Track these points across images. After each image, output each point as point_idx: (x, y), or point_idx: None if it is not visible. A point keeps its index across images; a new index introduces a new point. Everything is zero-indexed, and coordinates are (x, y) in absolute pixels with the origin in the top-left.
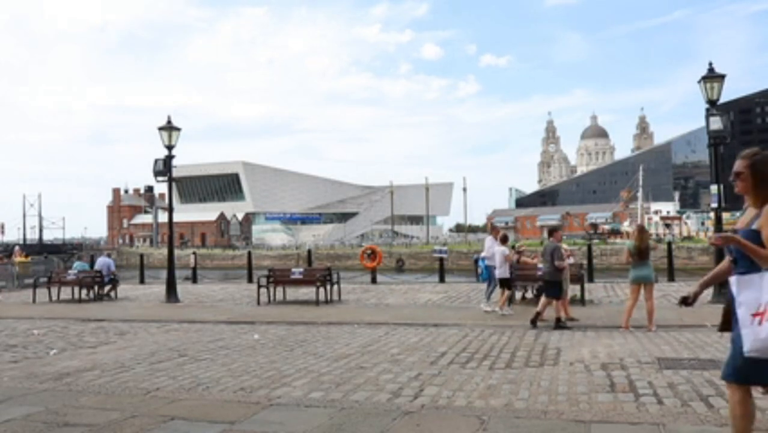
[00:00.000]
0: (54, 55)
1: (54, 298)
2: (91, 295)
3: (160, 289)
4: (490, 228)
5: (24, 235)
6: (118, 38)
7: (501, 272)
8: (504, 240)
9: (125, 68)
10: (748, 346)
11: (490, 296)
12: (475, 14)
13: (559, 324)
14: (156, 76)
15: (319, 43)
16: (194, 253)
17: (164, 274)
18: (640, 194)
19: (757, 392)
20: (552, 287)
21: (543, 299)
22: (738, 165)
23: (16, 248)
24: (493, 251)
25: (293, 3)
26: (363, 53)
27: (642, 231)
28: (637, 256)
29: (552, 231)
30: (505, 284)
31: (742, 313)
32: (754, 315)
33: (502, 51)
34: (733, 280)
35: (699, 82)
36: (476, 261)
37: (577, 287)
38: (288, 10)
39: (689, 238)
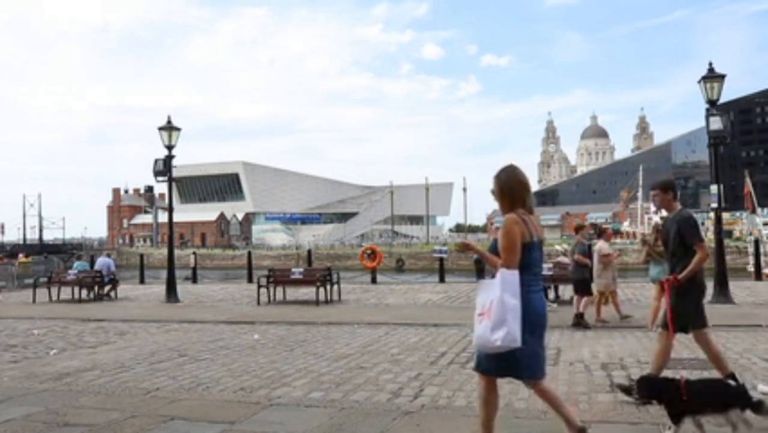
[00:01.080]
0: (54, 55)
1: (54, 298)
2: (91, 295)
3: (160, 289)
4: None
5: (24, 235)
6: (119, 38)
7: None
8: (600, 234)
9: (125, 68)
10: (474, 341)
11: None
12: (475, 14)
13: (579, 321)
14: (156, 76)
15: (319, 43)
16: (194, 253)
17: (164, 274)
18: (640, 194)
19: None
20: (578, 285)
21: (576, 299)
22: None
23: (20, 255)
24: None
25: (294, 3)
26: (364, 53)
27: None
28: (657, 255)
29: (577, 229)
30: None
31: (476, 312)
32: (480, 315)
33: (503, 51)
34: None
35: (699, 82)
36: (476, 261)
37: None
38: (288, 10)
39: None
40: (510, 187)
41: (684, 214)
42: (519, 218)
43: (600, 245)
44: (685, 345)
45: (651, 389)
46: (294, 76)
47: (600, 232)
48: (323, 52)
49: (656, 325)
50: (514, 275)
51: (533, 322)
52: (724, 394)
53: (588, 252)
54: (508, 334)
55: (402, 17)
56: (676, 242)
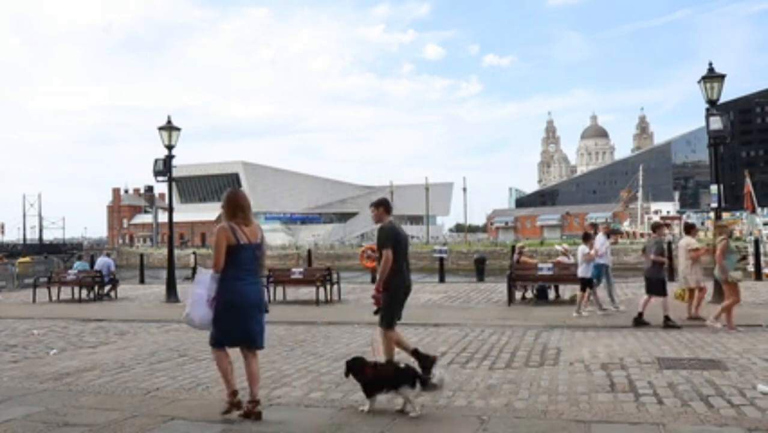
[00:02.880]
0: (55, 55)
1: (54, 298)
2: (91, 295)
3: (160, 289)
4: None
5: (24, 235)
6: (121, 38)
7: (581, 270)
8: (586, 238)
9: (127, 68)
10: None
11: (613, 296)
12: (477, 14)
13: (667, 323)
14: (157, 76)
15: (321, 43)
16: (194, 253)
17: (164, 274)
18: (640, 194)
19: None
20: (654, 285)
21: (643, 298)
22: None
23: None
24: (605, 249)
25: (295, 3)
26: (365, 53)
27: (723, 228)
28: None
29: (655, 227)
30: (586, 283)
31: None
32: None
33: (505, 51)
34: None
35: (699, 82)
36: (476, 261)
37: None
38: (290, 11)
39: None
40: (228, 204)
41: (383, 225)
42: (228, 227)
43: (687, 240)
44: (685, 345)
45: (350, 370)
46: (295, 77)
47: (653, 228)
48: (325, 52)
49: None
50: (207, 273)
51: (233, 304)
52: (397, 375)
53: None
54: (188, 315)
55: (404, 17)
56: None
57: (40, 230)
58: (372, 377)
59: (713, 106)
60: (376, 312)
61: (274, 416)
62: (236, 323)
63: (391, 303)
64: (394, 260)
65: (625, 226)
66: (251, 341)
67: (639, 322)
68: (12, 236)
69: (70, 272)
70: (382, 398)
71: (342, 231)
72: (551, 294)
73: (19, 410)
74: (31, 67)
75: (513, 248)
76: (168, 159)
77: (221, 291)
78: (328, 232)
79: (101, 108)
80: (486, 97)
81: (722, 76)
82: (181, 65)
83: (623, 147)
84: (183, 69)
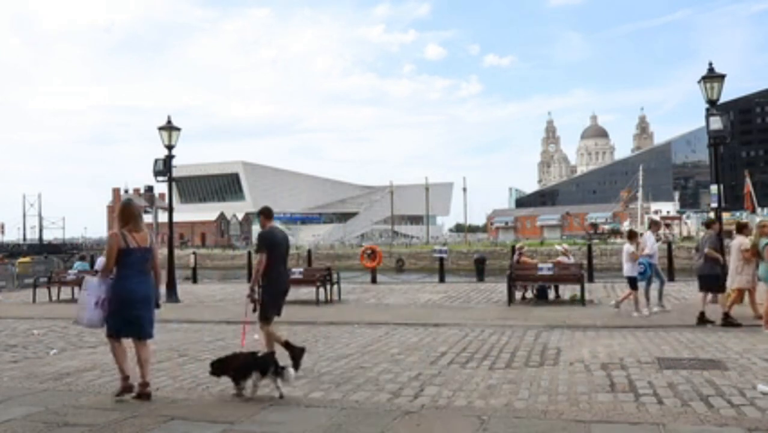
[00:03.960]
0: (55, 55)
1: (54, 298)
2: None
3: (160, 289)
4: (650, 223)
5: (24, 235)
6: (121, 38)
7: (627, 269)
8: (631, 236)
9: (127, 68)
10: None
11: (662, 295)
12: (477, 14)
13: (727, 320)
14: (158, 76)
15: (322, 43)
16: (194, 253)
17: (164, 274)
18: (640, 194)
19: None
20: (708, 281)
21: (700, 296)
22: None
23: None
24: (655, 247)
25: (296, 3)
26: (366, 53)
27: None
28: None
29: (708, 224)
30: (634, 282)
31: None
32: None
33: (505, 51)
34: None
35: (699, 82)
36: (476, 261)
37: (577, 287)
38: (291, 11)
39: (689, 238)
40: (121, 214)
41: (262, 231)
42: (119, 233)
43: (740, 240)
44: (685, 345)
45: (215, 370)
46: (296, 77)
47: (707, 225)
48: (326, 52)
49: None
50: (93, 279)
51: (124, 299)
52: (252, 363)
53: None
54: (78, 317)
55: (404, 17)
56: None
57: (40, 230)
58: (236, 368)
59: (713, 106)
60: (254, 310)
61: (274, 416)
62: (128, 316)
63: (269, 301)
64: (270, 262)
65: (625, 226)
66: (141, 332)
67: (702, 320)
68: (12, 236)
69: (70, 272)
70: (383, 398)
71: (342, 231)
72: (551, 294)
73: (19, 410)
74: (31, 67)
75: (513, 248)
76: (168, 159)
77: (115, 288)
78: (328, 232)
79: (101, 108)
80: (486, 98)
81: (722, 76)
82: (181, 65)
83: (623, 147)
84: (183, 69)
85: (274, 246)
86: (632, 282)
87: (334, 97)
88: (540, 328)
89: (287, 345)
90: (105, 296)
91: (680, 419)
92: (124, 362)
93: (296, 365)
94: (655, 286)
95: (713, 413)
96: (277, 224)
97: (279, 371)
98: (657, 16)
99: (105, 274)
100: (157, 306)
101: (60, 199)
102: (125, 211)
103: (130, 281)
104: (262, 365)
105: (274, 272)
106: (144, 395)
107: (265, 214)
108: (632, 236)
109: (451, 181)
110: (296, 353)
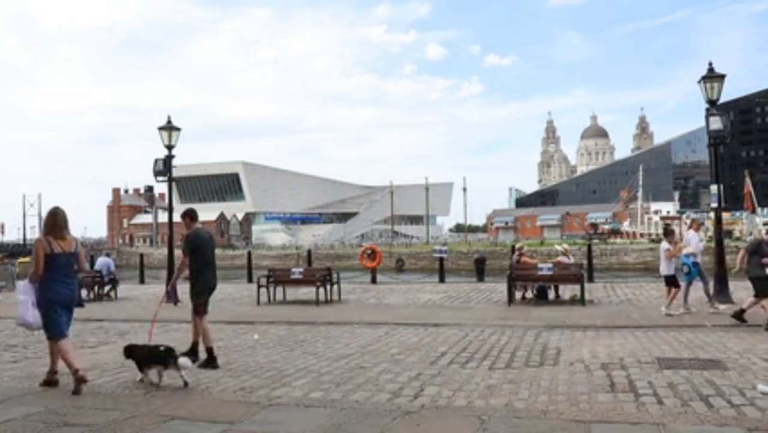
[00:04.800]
0: (56, 55)
1: None
2: (91, 295)
3: (160, 289)
4: (690, 222)
5: (24, 235)
6: (121, 38)
7: (664, 268)
8: (667, 234)
9: (128, 68)
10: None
11: (711, 295)
12: (478, 14)
13: None
14: (158, 76)
15: (322, 43)
16: None
17: (164, 274)
18: (640, 194)
19: None
20: (759, 285)
21: (751, 298)
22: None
23: None
24: (700, 246)
25: (297, 3)
26: (367, 54)
27: None
28: None
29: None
30: (672, 281)
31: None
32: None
33: (506, 51)
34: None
35: (699, 82)
36: (476, 261)
37: (577, 287)
38: (292, 11)
39: None
40: (48, 222)
41: (188, 233)
42: (44, 240)
43: None
44: (685, 345)
45: (127, 353)
46: (296, 77)
47: None
48: (326, 52)
49: None
50: (25, 283)
51: (53, 301)
52: (155, 355)
53: None
54: (22, 320)
55: (405, 17)
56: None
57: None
58: (141, 357)
59: (713, 106)
60: (168, 302)
61: (274, 416)
62: (60, 315)
63: (198, 298)
64: (198, 262)
65: (625, 226)
66: (65, 332)
67: (739, 318)
68: (12, 235)
69: None
70: (383, 398)
71: (342, 231)
72: (551, 294)
73: (19, 410)
74: (32, 67)
75: (513, 248)
76: (168, 159)
77: (43, 291)
78: (328, 232)
79: (101, 108)
80: (486, 98)
81: (722, 76)
82: (181, 65)
83: (623, 147)
84: (183, 69)
85: (199, 247)
86: (670, 280)
87: (334, 97)
88: (540, 328)
89: (195, 345)
90: (32, 299)
91: (680, 419)
92: (57, 359)
93: (196, 360)
94: (700, 286)
95: (713, 413)
96: (277, 224)
97: (177, 362)
98: (657, 16)
99: (33, 278)
100: (80, 305)
101: (60, 200)
102: (52, 220)
103: (55, 283)
104: (164, 357)
105: (200, 272)
106: (79, 379)
107: (191, 216)
108: (668, 233)
109: (451, 181)
110: (210, 359)
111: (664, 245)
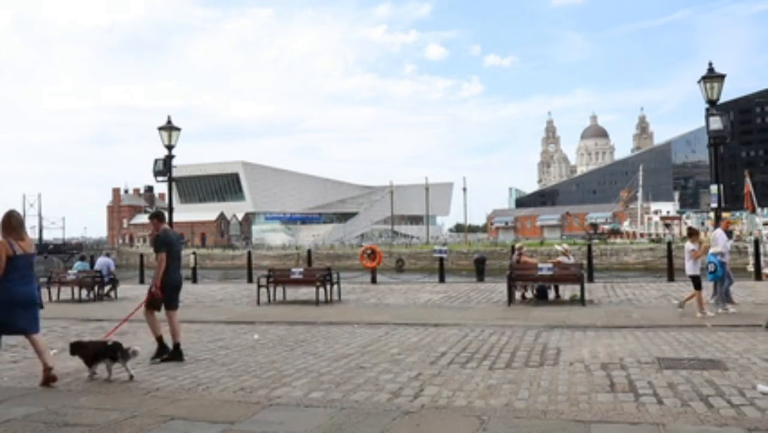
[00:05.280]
0: (56, 56)
1: (54, 298)
2: (91, 295)
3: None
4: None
5: None
6: (122, 38)
7: (690, 268)
8: (691, 234)
9: (128, 68)
10: None
11: (729, 295)
12: (478, 14)
13: None
14: (158, 76)
15: (323, 43)
16: (194, 253)
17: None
18: (639, 194)
19: None
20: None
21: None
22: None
23: None
24: (728, 246)
25: (298, 4)
26: (368, 54)
27: None
28: None
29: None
30: (697, 281)
31: None
32: None
33: (506, 51)
34: None
35: (699, 82)
36: (476, 261)
37: (577, 287)
38: (293, 11)
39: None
40: (4, 225)
41: (159, 233)
42: (6, 242)
43: None
44: (685, 345)
45: (73, 350)
46: (297, 77)
47: None
48: (327, 52)
49: None
50: None
51: (13, 301)
52: (103, 350)
53: None
54: None
55: (406, 17)
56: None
57: (40, 230)
58: (89, 352)
59: (713, 106)
60: (152, 301)
61: (274, 416)
62: (18, 315)
63: (162, 294)
64: (167, 261)
65: (625, 226)
66: (31, 328)
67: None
68: None
69: (70, 272)
70: (383, 398)
71: (342, 231)
72: (551, 294)
73: (19, 410)
74: (32, 67)
75: (513, 248)
76: (168, 159)
77: (4, 292)
78: (328, 232)
79: (101, 108)
80: (487, 98)
81: (722, 76)
82: (182, 65)
83: (623, 147)
84: (184, 69)
85: (169, 245)
86: (696, 281)
87: (335, 97)
88: (540, 328)
89: (160, 340)
90: None
91: (680, 419)
92: (49, 357)
93: (157, 356)
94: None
95: (713, 413)
96: (277, 224)
97: (126, 355)
98: (657, 16)
99: None
100: (40, 306)
101: (60, 200)
102: (8, 222)
103: (16, 284)
104: (111, 352)
105: (168, 269)
106: (50, 378)
107: (159, 217)
108: (693, 233)
109: (451, 181)
110: (162, 352)
111: (689, 245)
